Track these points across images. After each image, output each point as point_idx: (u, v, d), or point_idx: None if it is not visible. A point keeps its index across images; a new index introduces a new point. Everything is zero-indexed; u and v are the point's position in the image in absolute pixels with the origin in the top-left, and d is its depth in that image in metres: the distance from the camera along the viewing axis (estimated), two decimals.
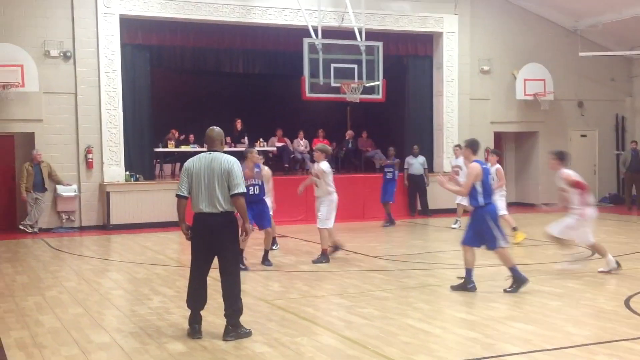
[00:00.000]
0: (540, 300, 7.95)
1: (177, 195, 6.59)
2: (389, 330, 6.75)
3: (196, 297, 6.57)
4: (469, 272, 8.53)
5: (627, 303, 7.63)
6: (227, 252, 6.48)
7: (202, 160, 6.52)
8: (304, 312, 7.56)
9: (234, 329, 6.48)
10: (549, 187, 20.04)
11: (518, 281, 8.41)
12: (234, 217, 6.57)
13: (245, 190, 6.53)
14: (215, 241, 6.43)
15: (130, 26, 16.00)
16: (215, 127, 6.74)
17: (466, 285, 8.49)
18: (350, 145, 19.83)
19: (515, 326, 6.83)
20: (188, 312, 6.70)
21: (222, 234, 6.45)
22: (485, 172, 8.50)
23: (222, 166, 6.42)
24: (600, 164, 21.02)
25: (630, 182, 19.45)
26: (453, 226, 14.85)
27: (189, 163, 6.61)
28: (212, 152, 6.58)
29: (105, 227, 15.37)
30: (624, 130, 21.13)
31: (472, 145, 8.74)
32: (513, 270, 8.46)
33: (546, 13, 19.91)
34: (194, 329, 6.55)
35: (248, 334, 6.51)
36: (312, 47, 15.23)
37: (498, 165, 12.87)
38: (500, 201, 12.36)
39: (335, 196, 10.79)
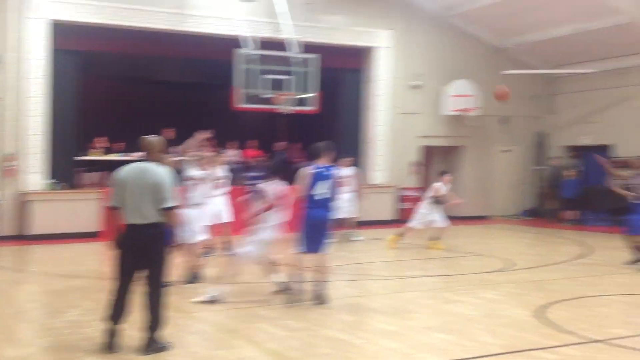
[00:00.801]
0: (459, 311, 8.17)
1: (110, 206, 6.44)
2: (310, 342, 6.81)
3: (118, 310, 6.43)
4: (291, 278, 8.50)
5: (541, 313, 7.92)
6: (155, 265, 6.37)
7: (134, 170, 6.35)
8: (226, 325, 7.54)
9: (153, 343, 6.41)
10: (476, 200, 20.68)
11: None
12: (164, 230, 6.42)
13: (176, 204, 6.41)
14: (144, 253, 6.31)
15: (62, 31, 15.60)
16: (151, 135, 6.58)
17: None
18: (283, 156, 19.82)
19: (434, 336, 7.00)
20: (106, 326, 6.52)
21: (151, 247, 6.33)
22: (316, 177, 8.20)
23: (153, 178, 6.26)
24: (522, 179, 21.72)
25: (551, 196, 20.18)
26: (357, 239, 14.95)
27: (120, 173, 6.43)
28: (145, 162, 6.39)
29: (25, 236, 14.89)
30: (544, 146, 21.91)
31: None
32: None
33: (475, 31, 20.50)
34: (112, 342, 6.40)
35: (166, 347, 6.45)
36: (246, 58, 15.25)
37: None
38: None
39: None
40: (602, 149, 20.25)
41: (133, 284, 6.45)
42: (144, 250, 6.29)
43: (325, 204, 8.24)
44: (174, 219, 6.40)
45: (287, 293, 8.42)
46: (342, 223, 14.79)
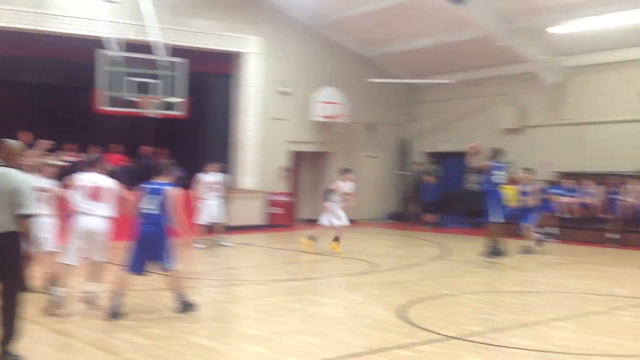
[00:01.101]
0: (325, 313, 8.33)
1: None
2: (175, 349, 6.70)
3: None
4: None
5: (401, 313, 8.23)
6: (11, 275, 6.07)
7: None
8: (86, 336, 7.26)
9: (8, 356, 6.07)
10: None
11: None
12: (20, 239, 6.08)
13: (34, 212, 6.10)
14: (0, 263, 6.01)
15: None
16: (11, 140, 6.25)
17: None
18: (148, 161, 19.38)
19: (299, 339, 7.09)
20: None
21: (6, 257, 6.00)
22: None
23: (12, 184, 5.97)
24: (386, 184, 22.48)
25: (412, 200, 21.04)
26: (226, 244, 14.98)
27: None
28: (4, 167, 6.08)
29: None
30: (407, 153, 22.80)
31: None
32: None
33: (342, 40, 21.02)
34: None
35: None
36: (110, 59, 14.78)
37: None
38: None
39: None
40: (460, 156, 21.39)
41: None
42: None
43: (152, 220, 7.93)
44: (31, 226, 6.09)
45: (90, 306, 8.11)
46: (211, 229, 14.74)
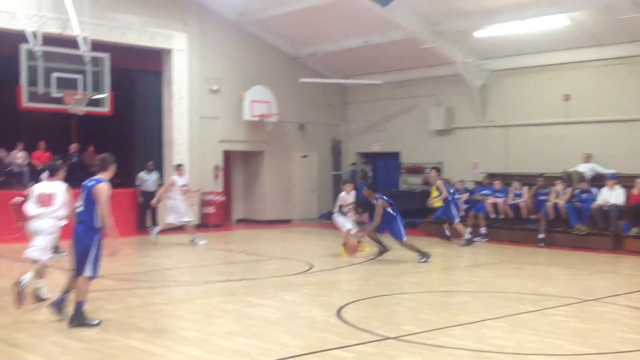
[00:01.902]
0: (261, 314, 8.28)
1: None
2: (110, 352, 6.54)
3: None
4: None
5: (338, 313, 8.27)
6: None
7: None
8: (15, 340, 6.99)
9: None
10: (274, 204, 21.14)
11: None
12: None
13: None
14: None
15: None
16: None
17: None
18: (75, 159, 18.87)
19: (236, 340, 7.03)
20: None
21: None
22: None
23: None
24: (319, 184, 22.59)
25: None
26: (201, 243, 15.07)
27: None
28: None
29: None
30: (339, 152, 22.97)
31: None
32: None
33: (270, 39, 20.95)
34: None
35: None
36: (31, 54, 14.27)
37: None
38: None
39: None
40: (391, 156, 21.72)
41: None
42: None
43: (80, 218, 7.63)
44: None
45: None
46: (183, 228, 15.41)
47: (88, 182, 7.69)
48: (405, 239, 12.84)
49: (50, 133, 19.19)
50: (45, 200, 8.74)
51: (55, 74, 14.65)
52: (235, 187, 21.56)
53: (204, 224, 18.95)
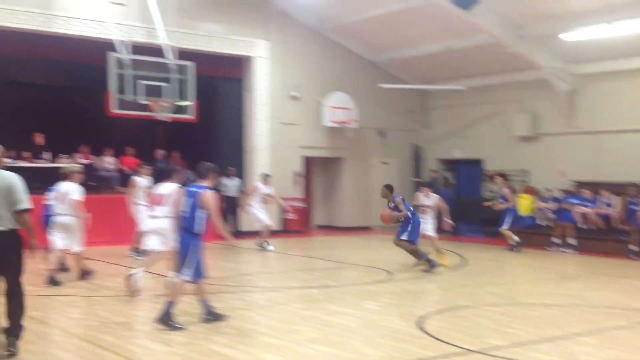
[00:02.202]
0: (341, 322, 8.21)
1: None
2: (191, 356, 6.61)
3: None
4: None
5: (419, 324, 8.09)
6: (14, 270, 6.31)
7: None
8: (102, 341, 7.17)
9: (17, 341, 6.30)
10: (353, 210, 21.06)
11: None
12: (18, 234, 6.36)
13: (30, 207, 6.36)
14: (2, 260, 6.23)
15: None
16: None
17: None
18: (160, 165, 19.34)
19: (316, 348, 6.98)
20: None
21: (9, 252, 6.25)
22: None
23: (3, 182, 6.26)
24: (399, 190, 22.24)
25: None
26: (269, 248, 15.11)
27: None
28: None
29: None
30: (420, 159, 22.68)
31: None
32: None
33: (351, 45, 20.93)
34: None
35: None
36: (120, 62, 14.74)
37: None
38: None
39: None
40: (473, 163, 21.27)
41: None
42: (3, 257, 6.22)
43: (182, 223, 7.85)
44: (30, 221, 6.35)
45: None
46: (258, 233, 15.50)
47: (191, 189, 7.90)
48: (403, 238, 12.40)
49: (138, 139, 19.77)
50: (157, 200, 9.63)
51: (142, 82, 15.08)
52: (315, 193, 21.62)
53: (284, 230, 19.07)
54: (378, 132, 21.68)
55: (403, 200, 12.66)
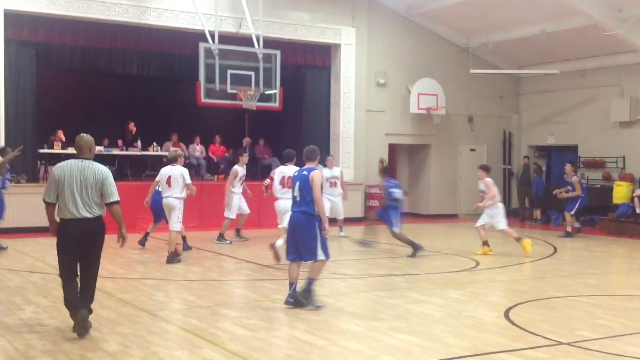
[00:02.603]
0: (424, 311, 8.07)
1: (45, 202, 6.72)
2: (273, 342, 6.65)
3: (73, 297, 6.65)
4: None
5: (506, 314, 7.85)
6: (94, 255, 6.73)
7: (72, 167, 6.64)
8: (186, 324, 7.33)
9: (86, 323, 6.63)
10: (440, 198, 20.72)
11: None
12: (103, 222, 6.74)
13: (119, 198, 6.73)
14: (86, 245, 6.62)
15: (15, 22, 15.18)
16: (84, 134, 6.86)
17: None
18: (247, 153, 19.63)
19: (398, 337, 6.88)
20: (61, 324, 6.83)
21: (94, 238, 6.66)
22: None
23: (95, 175, 6.61)
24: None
25: (522, 195, 20.23)
26: (341, 234, 15.10)
27: (57, 170, 6.70)
28: (83, 160, 6.70)
29: None
30: (510, 146, 22.04)
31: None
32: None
33: (440, 30, 20.52)
34: (77, 328, 6.60)
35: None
36: (209, 52, 15.01)
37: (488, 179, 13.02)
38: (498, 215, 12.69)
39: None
40: (567, 149, 20.48)
41: (77, 272, 6.73)
42: (84, 242, 6.59)
43: (297, 207, 8.05)
44: (119, 211, 6.74)
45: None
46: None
47: (300, 172, 8.10)
48: (397, 229, 12.36)
49: (224, 127, 20.15)
50: (287, 182, 10.86)
51: (230, 71, 15.29)
52: (400, 180, 21.32)
53: (369, 217, 18.96)
54: (467, 119, 21.21)
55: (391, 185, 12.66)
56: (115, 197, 6.67)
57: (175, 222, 11.26)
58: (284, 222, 10.56)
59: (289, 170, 10.67)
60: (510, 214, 21.02)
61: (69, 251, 6.62)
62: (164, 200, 11.38)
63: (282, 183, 11.31)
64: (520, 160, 21.19)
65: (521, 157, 21.35)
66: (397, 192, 12.59)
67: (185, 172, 11.42)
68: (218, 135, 19.19)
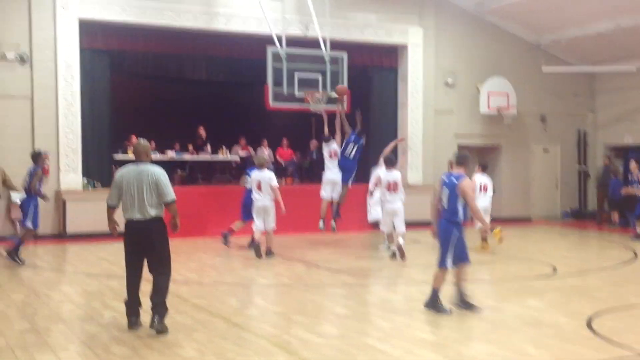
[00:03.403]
0: (501, 319, 7.84)
1: (107, 204, 7.19)
2: (348, 350, 6.56)
3: (133, 294, 7.18)
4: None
5: (588, 323, 7.54)
6: (157, 254, 7.03)
7: (130, 171, 7.04)
8: (261, 330, 7.33)
9: (161, 319, 6.95)
10: (512, 201, 20.23)
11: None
12: (163, 222, 7.09)
13: (175, 197, 7.05)
14: (146, 244, 6.98)
15: (89, 30, 15.61)
16: (141, 139, 7.28)
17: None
18: (314, 156, 19.66)
19: (475, 347, 6.70)
20: (139, 330, 7.01)
21: (152, 238, 6.97)
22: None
23: (149, 177, 6.94)
24: (563, 179, 21.19)
25: (601, 197, 19.52)
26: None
27: (118, 174, 7.16)
28: (139, 164, 7.06)
29: (61, 235, 14.93)
30: (586, 145, 21.35)
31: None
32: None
33: (510, 27, 20.04)
34: (131, 321, 7.14)
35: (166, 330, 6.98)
36: (276, 56, 15.05)
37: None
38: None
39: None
40: None
41: (142, 271, 7.16)
42: (145, 242, 6.96)
43: (443, 214, 8.05)
44: (175, 211, 7.07)
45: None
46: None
47: (448, 178, 8.06)
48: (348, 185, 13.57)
49: (292, 131, 20.20)
50: (393, 186, 12.04)
51: (297, 74, 15.30)
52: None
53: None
54: (539, 118, 20.65)
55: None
56: (171, 196, 6.97)
57: (272, 221, 12.31)
58: (397, 227, 12.19)
59: (392, 175, 12.15)
60: (587, 217, 20.51)
61: (129, 251, 7.07)
62: (258, 203, 12.27)
63: (388, 187, 12.16)
64: (597, 161, 20.48)
65: (597, 157, 20.64)
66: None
67: (272, 176, 12.32)
68: (285, 139, 19.25)
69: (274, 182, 12.23)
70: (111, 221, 7.23)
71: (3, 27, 14.90)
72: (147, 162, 7.08)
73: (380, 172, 12.86)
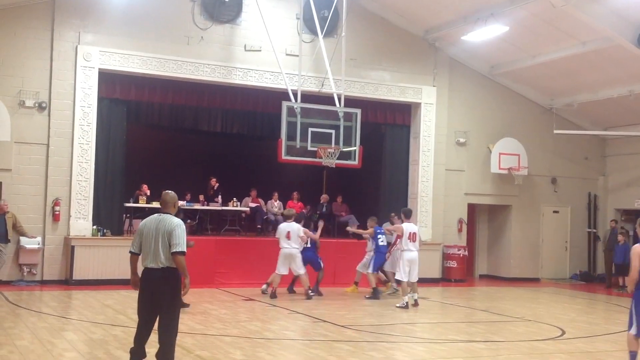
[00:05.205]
0: None
1: (130, 252, 7.14)
2: None
3: (139, 345, 6.99)
4: None
5: None
6: (165, 306, 6.85)
7: (152, 220, 7.05)
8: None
9: None
10: (521, 261, 20.12)
11: None
12: (176, 274, 6.91)
13: (185, 250, 6.86)
14: (156, 294, 6.86)
15: (108, 80, 15.95)
16: (169, 191, 7.23)
17: None
18: (324, 209, 19.71)
19: None
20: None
21: (162, 288, 6.84)
22: None
23: (166, 227, 6.90)
24: (572, 241, 21.10)
25: (609, 260, 19.37)
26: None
27: (142, 223, 7.17)
28: (162, 214, 7.08)
29: (67, 282, 14.94)
30: (596, 209, 21.30)
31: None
32: None
33: (522, 90, 20.29)
34: None
35: None
36: (291, 110, 15.25)
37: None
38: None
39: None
40: None
41: (153, 323, 6.97)
42: (156, 291, 6.84)
43: None
44: (182, 262, 6.83)
45: None
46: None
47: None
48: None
49: (302, 184, 20.31)
50: (413, 236, 13.23)
51: (311, 129, 15.46)
52: (479, 241, 20.95)
53: (446, 278, 18.61)
54: (550, 180, 20.70)
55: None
56: (180, 247, 6.82)
57: (301, 267, 13.95)
58: (413, 275, 13.23)
59: (412, 227, 13.49)
60: (596, 280, 20.32)
61: (142, 300, 6.99)
62: (285, 251, 13.82)
63: (410, 238, 13.22)
64: (606, 224, 20.42)
65: (607, 221, 20.58)
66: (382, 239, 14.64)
67: (300, 227, 14.14)
68: (296, 192, 19.35)
69: (301, 232, 14.05)
70: (133, 273, 7.14)
71: (24, 75, 15.24)
72: (170, 213, 7.08)
73: (403, 225, 13.63)
